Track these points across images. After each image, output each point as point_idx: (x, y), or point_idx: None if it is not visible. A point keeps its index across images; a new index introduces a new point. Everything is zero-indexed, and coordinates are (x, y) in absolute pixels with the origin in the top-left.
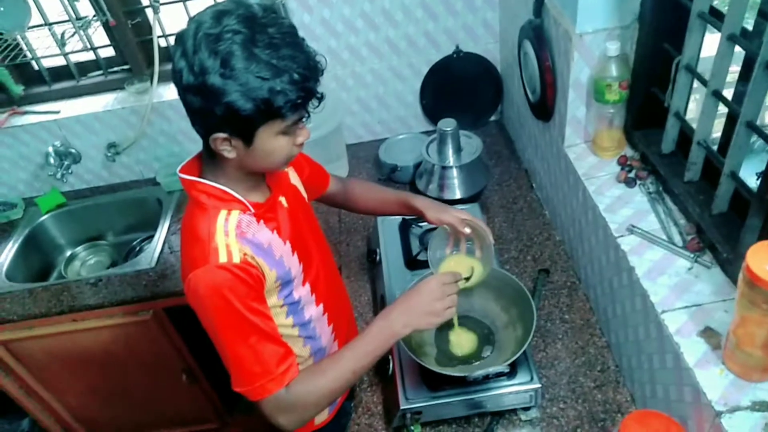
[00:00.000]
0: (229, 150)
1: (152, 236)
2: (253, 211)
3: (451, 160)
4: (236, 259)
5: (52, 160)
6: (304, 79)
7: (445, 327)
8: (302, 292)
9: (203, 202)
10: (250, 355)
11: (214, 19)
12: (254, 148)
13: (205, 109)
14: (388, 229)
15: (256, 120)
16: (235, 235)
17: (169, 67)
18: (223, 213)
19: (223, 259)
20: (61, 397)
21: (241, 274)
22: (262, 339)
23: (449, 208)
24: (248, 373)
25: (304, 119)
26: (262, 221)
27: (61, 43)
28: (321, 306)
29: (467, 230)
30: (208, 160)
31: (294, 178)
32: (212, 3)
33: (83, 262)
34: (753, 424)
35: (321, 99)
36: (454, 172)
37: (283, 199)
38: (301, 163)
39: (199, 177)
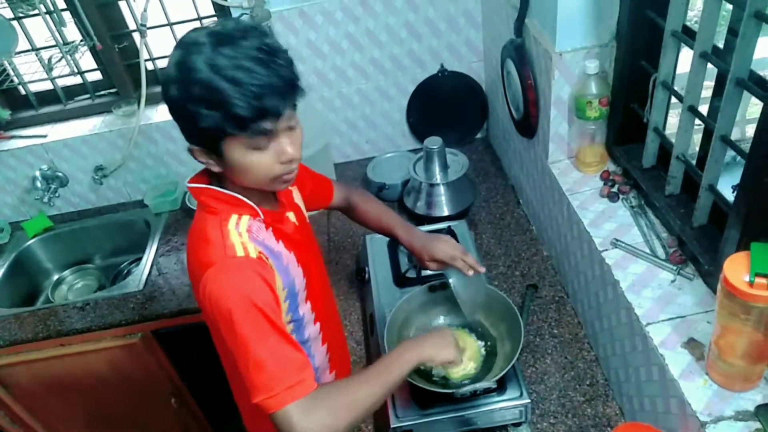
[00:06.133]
0: (212, 164)
1: (140, 259)
2: (262, 217)
3: (438, 177)
4: (253, 255)
5: (39, 184)
6: (259, 97)
7: None
8: (305, 309)
9: (213, 206)
10: (270, 357)
11: (193, 31)
12: (228, 163)
13: (175, 118)
14: (376, 247)
15: (214, 133)
16: (248, 237)
17: (156, 89)
18: (233, 217)
19: (240, 253)
20: (48, 424)
21: (259, 269)
22: (282, 341)
23: (433, 244)
24: (269, 377)
25: (277, 136)
26: (270, 229)
27: (49, 67)
28: (318, 325)
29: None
30: (212, 173)
31: (297, 197)
32: (198, 24)
33: (70, 286)
34: None
35: (283, 116)
36: (441, 189)
37: (291, 215)
38: (304, 179)
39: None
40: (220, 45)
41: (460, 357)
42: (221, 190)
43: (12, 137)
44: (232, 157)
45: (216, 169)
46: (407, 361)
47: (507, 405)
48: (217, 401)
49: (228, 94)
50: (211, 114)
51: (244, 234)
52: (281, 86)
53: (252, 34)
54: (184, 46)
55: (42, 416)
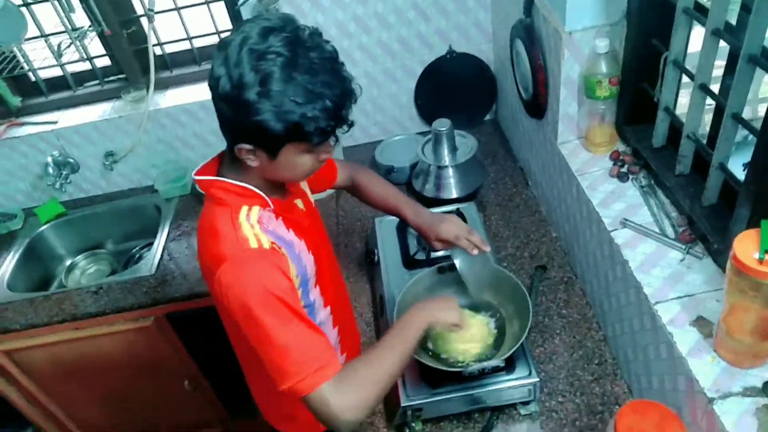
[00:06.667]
0: (252, 159)
1: (151, 243)
2: (272, 207)
3: (446, 159)
4: (266, 246)
5: (50, 170)
6: (337, 108)
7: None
8: (315, 294)
9: (222, 198)
10: (294, 342)
11: (261, 35)
12: (277, 162)
13: (236, 120)
14: (385, 229)
15: (283, 139)
16: (259, 228)
17: (164, 75)
18: (244, 208)
19: (254, 245)
20: (64, 406)
21: (274, 259)
22: (303, 326)
23: (439, 224)
24: (295, 362)
25: (332, 142)
26: (280, 218)
27: (58, 54)
28: (328, 308)
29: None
30: (230, 163)
31: (303, 184)
32: (207, 12)
33: (83, 271)
34: (744, 409)
35: (351, 125)
36: (450, 171)
37: (299, 202)
38: None
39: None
40: (296, 55)
41: (464, 321)
42: (231, 181)
43: (23, 124)
44: (287, 159)
45: (254, 164)
46: (418, 324)
47: (516, 384)
48: (230, 384)
49: (311, 106)
50: (288, 123)
51: (255, 225)
52: (349, 95)
53: (319, 41)
54: (260, 52)
55: (58, 398)
